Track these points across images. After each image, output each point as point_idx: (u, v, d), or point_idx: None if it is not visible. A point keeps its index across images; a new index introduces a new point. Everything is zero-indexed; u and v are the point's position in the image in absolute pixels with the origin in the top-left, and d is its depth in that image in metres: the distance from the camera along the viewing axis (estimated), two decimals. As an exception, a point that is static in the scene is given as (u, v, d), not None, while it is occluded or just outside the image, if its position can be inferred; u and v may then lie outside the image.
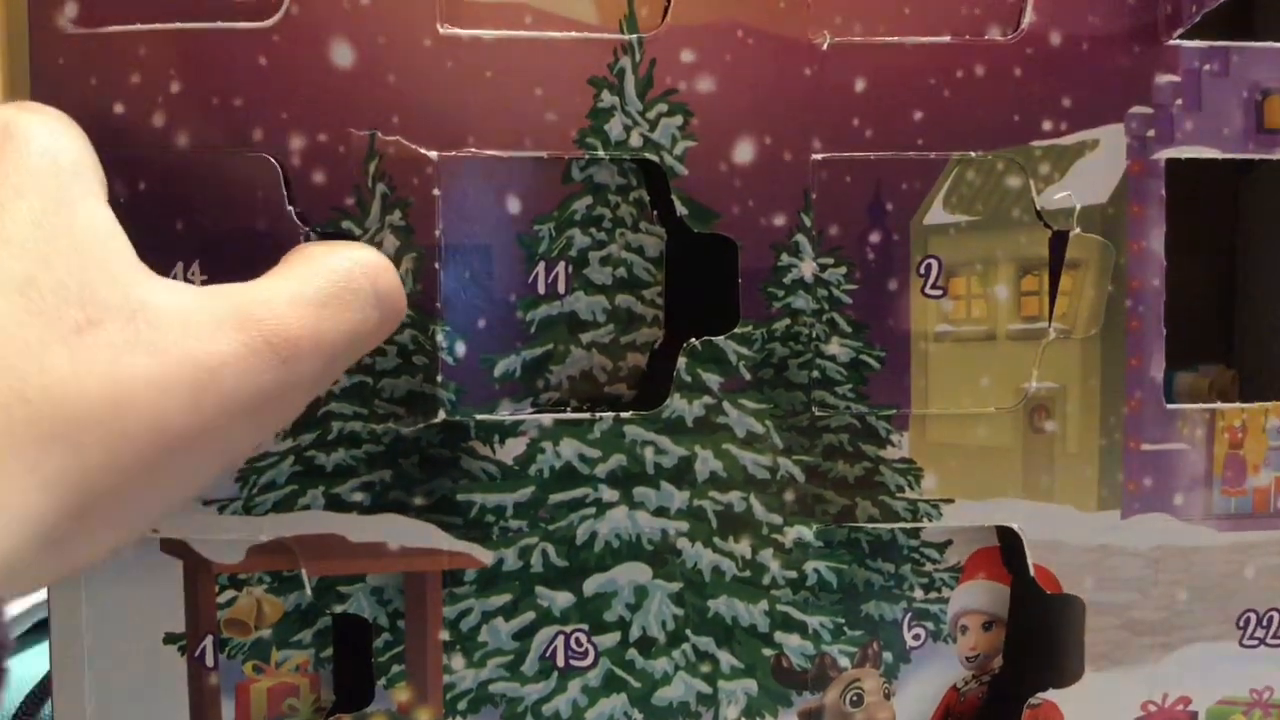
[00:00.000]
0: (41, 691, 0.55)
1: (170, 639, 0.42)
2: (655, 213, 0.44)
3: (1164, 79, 0.43)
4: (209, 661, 0.42)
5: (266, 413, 0.27)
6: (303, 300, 0.28)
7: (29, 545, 0.23)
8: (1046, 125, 0.43)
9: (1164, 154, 0.43)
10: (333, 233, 0.40)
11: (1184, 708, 0.45)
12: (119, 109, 0.39)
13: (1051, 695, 0.45)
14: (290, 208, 0.40)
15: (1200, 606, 0.45)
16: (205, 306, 0.26)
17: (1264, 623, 0.45)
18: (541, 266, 0.43)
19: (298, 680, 0.43)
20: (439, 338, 0.41)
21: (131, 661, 0.42)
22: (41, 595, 0.58)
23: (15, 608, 0.62)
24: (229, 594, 0.42)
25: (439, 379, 0.41)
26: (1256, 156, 0.44)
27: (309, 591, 0.42)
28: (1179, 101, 0.43)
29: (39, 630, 0.63)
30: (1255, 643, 0.45)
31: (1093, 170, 0.43)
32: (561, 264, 0.43)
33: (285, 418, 0.29)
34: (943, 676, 0.46)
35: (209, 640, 0.42)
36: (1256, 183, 0.52)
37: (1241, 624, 0.45)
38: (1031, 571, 0.44)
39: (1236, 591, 0.45)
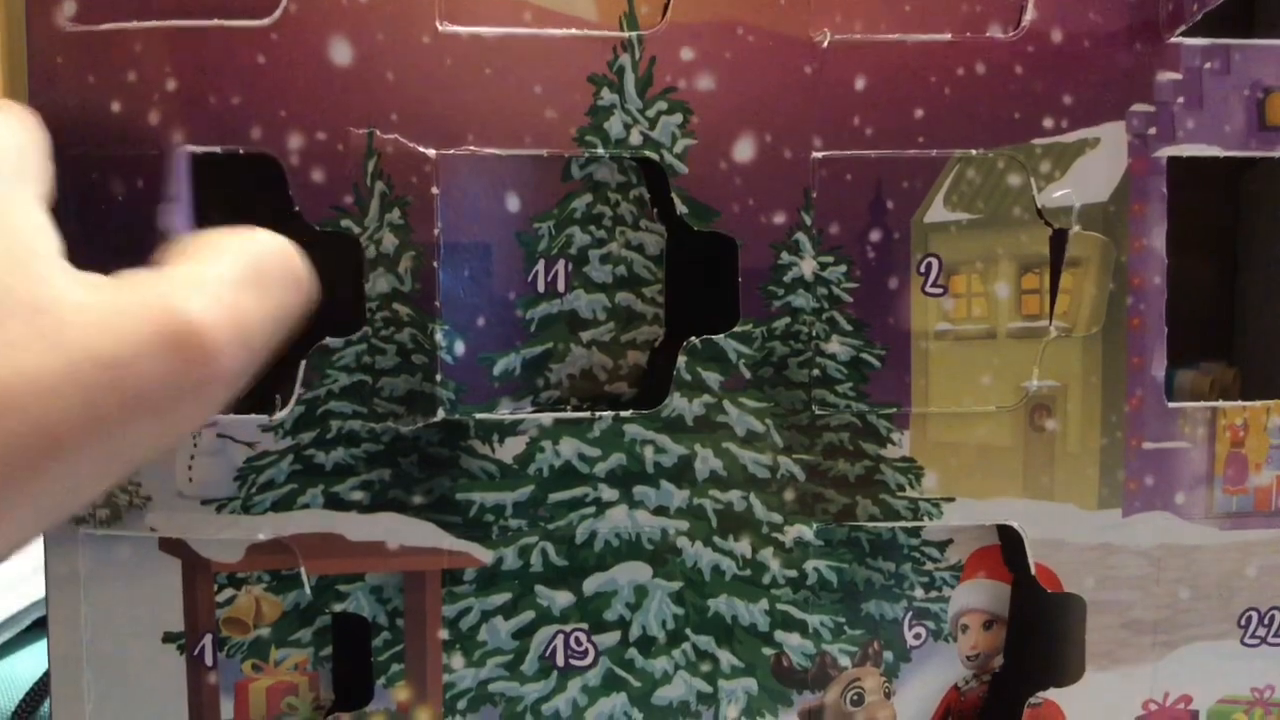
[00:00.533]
0: (40, 690, 0.55)
1: (169, 638, 0.42)
2: (655, 211, 0.44)
3: (1165, 77, 0.43)
4: (208, 660, 0.42)
5: (179, 411, 0.25)
6: (221, 285, 0.26)
7: None
8: (1048, 123, 0.42)
9: (1165, 152, 0.43)
10: (332, 231, 0.40)
11: (1185, 706, 0.45)
12: (116, 107, 0.39)
13: (1052, 694, 0.44)
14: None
15: (1202, 605, 0.45)
16: (118, 301, 0.25)
17: (1265, 621, 0.45)
18: (541, 265, 0.43)
19: (296, 679, 0.43)
20: (438, 336, 0.41)
21: (130, 660, 0.42)
22: (40, 594, 0.58)
23: (11, 606, 0.62)
24: (228, 593, 0.42)
25: (438, 378, 0.41)
26: (1258, 154, 0.44)
27: (308, 590, 0.42)
28: (1180, 99, 0.43)
29: (37, 629, 0.63)
30: (1257, 641, 0.45)
31: (1094, 168, 0.43)
32: (561, 262, 0.43)
33: (202, 415, 0.26)
34: (943, 676, 0.46)
35: (208, 639, 0.42)
36: (1258, 180, 0.52)
37: (1243, 622, 0.45)
38: (1032, 570, 0.43)
39: (1238, 590, 0.45)
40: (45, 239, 0.25)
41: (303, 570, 0.41)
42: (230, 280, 0.27)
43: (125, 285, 0.25)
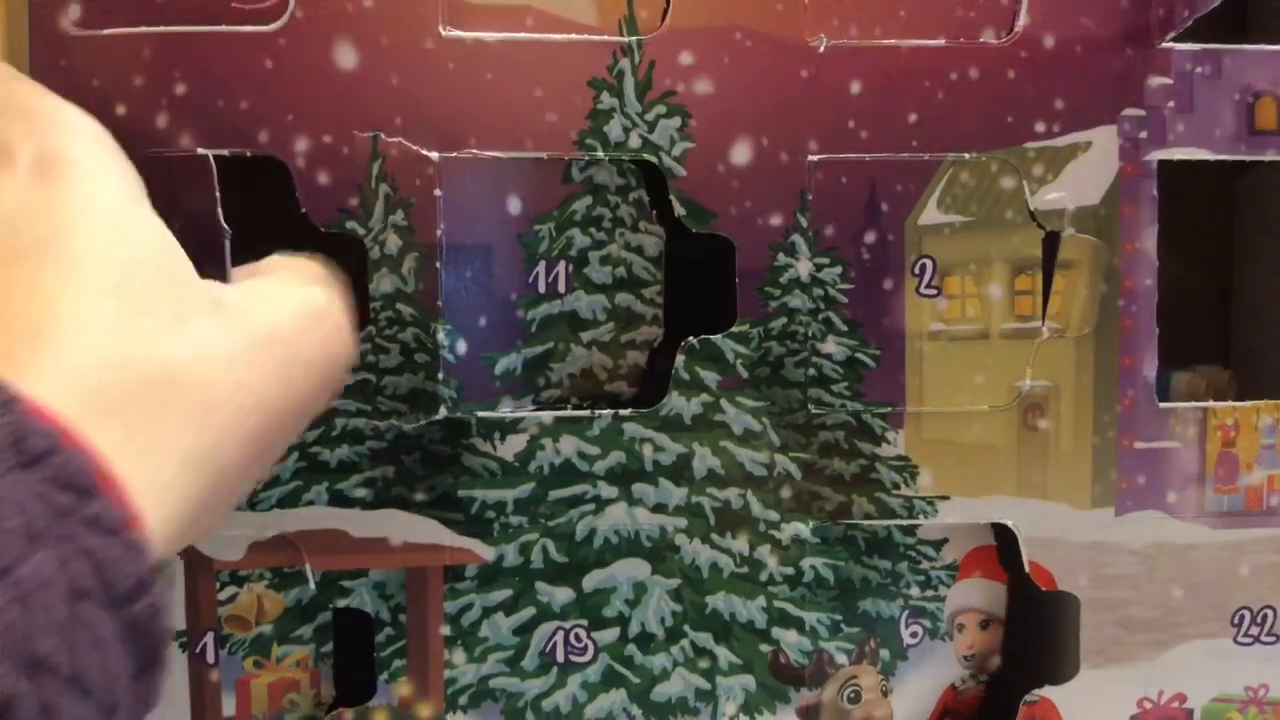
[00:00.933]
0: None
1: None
2: (654, 213, 0.44)
3: (1156, 81, 0.44)
4: (210, 658, 0.43)
5: (334, 376, 0.30)
6: (325, 280, 0.31)
7: (183, 526, 0.25)
8: (1040, 127, 0.43)
9: (1156, 155, 0.44)
10: (338, 233, 0.41)
11: (1179, 705, 0.45)
12: (121, 110, 0.40)
13: (1048, 692, 0.45)
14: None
15: (1195, 604, 0.45)
16: (268, 292, 0.29)
17: (1258, 620, 0.45)
18: (542, 266, 0.44)
19: (298, 675, 0.43)
20: (440, 336, 0.42)
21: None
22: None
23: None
24: (230, 590, 0.43)
25: (440, 376, 0.42)
26: (1248, 158, 0.44)
27: (313, 585, 0.42)
28: (1171, 103, 0.44)
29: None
30: (1250, 640, 0.45)
31: (1086, 171, 0.43)
32: (562, 263, 0.44)
33: (341, 382, 0.32)
34: (940, 675, 0.46)
35: (209, 637, 0.43)
36: (1251, 184, 0.53)
37: (1236, 621, 0.45)
38: (1027, 568, 0.44)
39: (1231, 589, 0.45)
40: (177, 245, 0.28)
41: (307, 566, 0.42)
42: (327, 278, 0.32)
43: (264, 287, 0.30)
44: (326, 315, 0.30)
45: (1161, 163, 0.44)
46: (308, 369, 0.29)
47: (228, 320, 0.27)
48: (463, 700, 0.43)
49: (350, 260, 0.40)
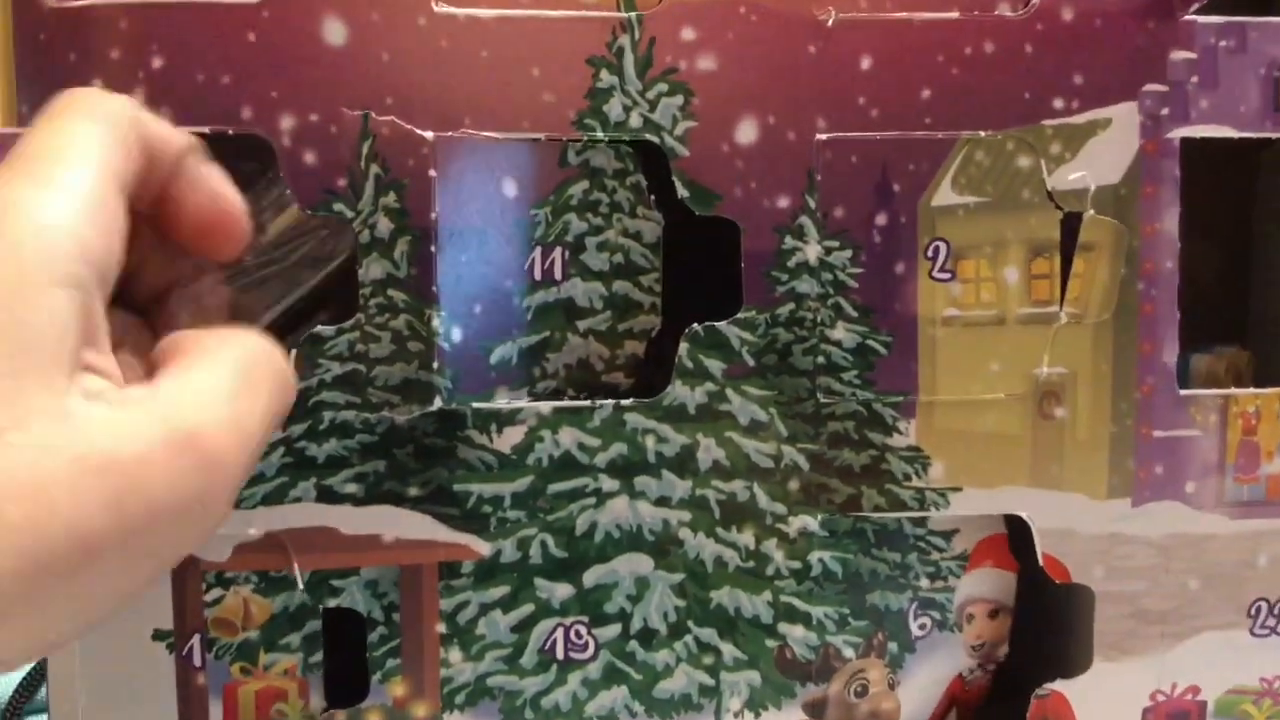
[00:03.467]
0: (31, 682, 0.54)
1: (159, 635, 0.41)
2: (653, 198, 0.43)
3: (1179, 56, 0.42)
4: (196, 660, 0.41)
5: (193, 515, 0.26)
6: (220, 396, 0.27)
7: None
8: (1058, 103, 0.41)
9: (1179, 133, 0.42)
10: (323, 216, 0.39)
11: (1193, 697, 0.44)
12: (97, 85, 0.38)
13: (1059, 685, 0.44)
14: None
15: (1211, 595, 0.44)
16: (131, 414, 0.25)
17: (1275, 612, 0.44)
18: (538, 252, 0.42)
19: (286, 685, 0.42)
20: (435, 323, 0.40)
21: (122, 657, 0.41)
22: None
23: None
24: (216, 592, 0.41)
25: (435, 365, 0.40)
26: (1273, 135, 0.43)
27: (300, 586, 0.41)
28: (1194, 79, 0.42)
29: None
30: (1266, 631, 0.44)
31: (1105, 150, 0.42)
32: (558, 249, 0.42)
33: (214, 519, 0.27)
34: (948, 665, 0.45)
35: (196, 639, 0.41)
36: (1273, 163, 0.51)
37: (1253, 613, 0.44)
38: (1040, 560, 0.43)
39: (1248, 580, 0.44)
40: (70, 339, 0.25)
41: (294, 566, 0.40)
42: (227, 391, 0.27)
43: (133, 399, 0.26)
44: (203, 444, 0.26)
45: (1183, 140, 0.42)
46: (150, 508, 0.25)
47: (63, 437, 0.24)
48: (459, 699, 0.42)
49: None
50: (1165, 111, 0.42)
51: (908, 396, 0.42)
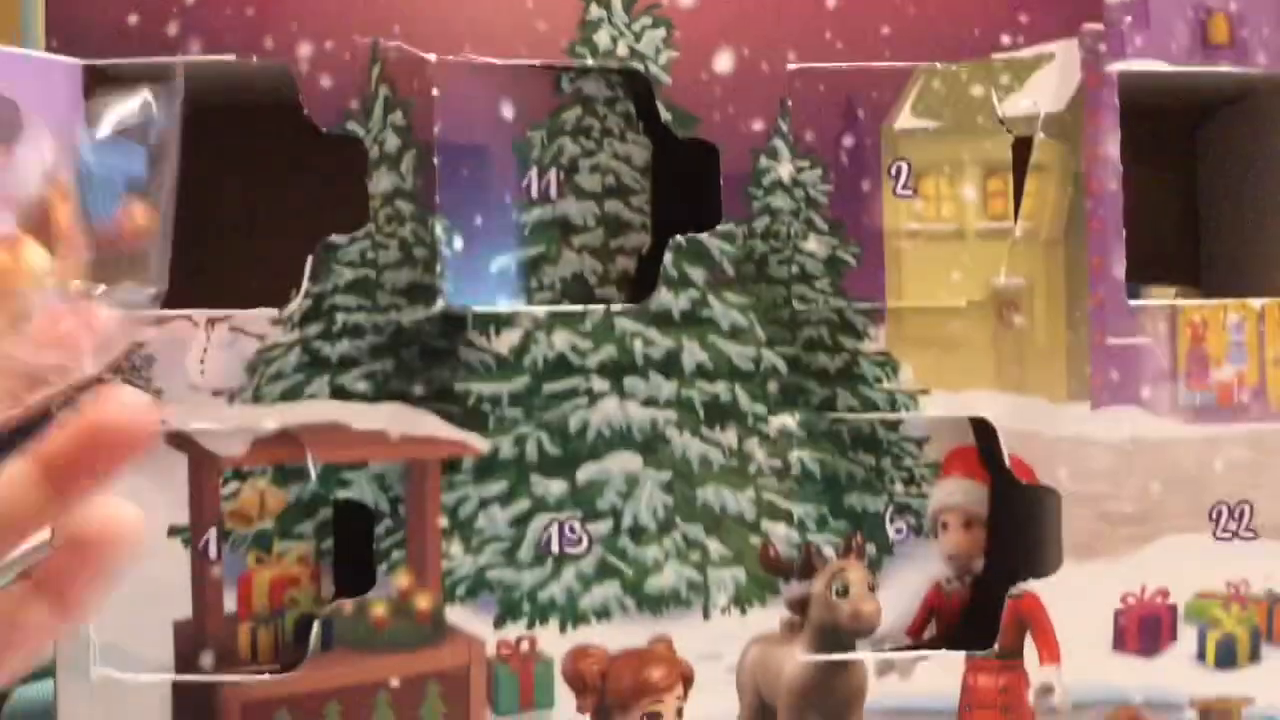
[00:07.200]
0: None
1: (174, 531, 0.43)
2: (641, 125, 0.47)
3: (1114, -3, 0.46)
4: (212, 554, 0.43)
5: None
6: None
7: None
8: (1005, 39, 0.46)
9: (1116, 67, 0.46)
10: (340, 135, 0.43)
11: (1163, 600, 0.46)
12: (133, 20, 0.42)
13: (1033, 585, 0.46)
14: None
15: (1173, 499, 0.46)
16: None
17: (1235, 515, 0.46)
18: (534, 171, 0.46)
19: (299, 571, 0.44)
20: (438, 230, 0.43)
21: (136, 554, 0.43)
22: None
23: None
24: (233, 485, 0.44)
25: (438, 269, 0.43)
26: (1202, 68, 0.47)
27: (314, 476, 0.43)
28: (1128, 18, 0.46)
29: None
30: (1229, 535, 0.46)
31: (1050, 81, 0.46)
32: (553, 170, 0.46)
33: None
34: (925, 572, 0.47)
35: (212, 533, 0.43)
36: (1214, 124, 0.55)
37: (1214, 516, 0.46)
38: (1007, 462, 0.45)
39: (1208, 484, 0.46)
40: None
41: (309, 457, 0.43)
42: None
43: None
44: None
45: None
46: None
47: None
48: (460, 591, 0.44)
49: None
50: (1103, 48, 0.46)
51: (876, 303, 0.45)
